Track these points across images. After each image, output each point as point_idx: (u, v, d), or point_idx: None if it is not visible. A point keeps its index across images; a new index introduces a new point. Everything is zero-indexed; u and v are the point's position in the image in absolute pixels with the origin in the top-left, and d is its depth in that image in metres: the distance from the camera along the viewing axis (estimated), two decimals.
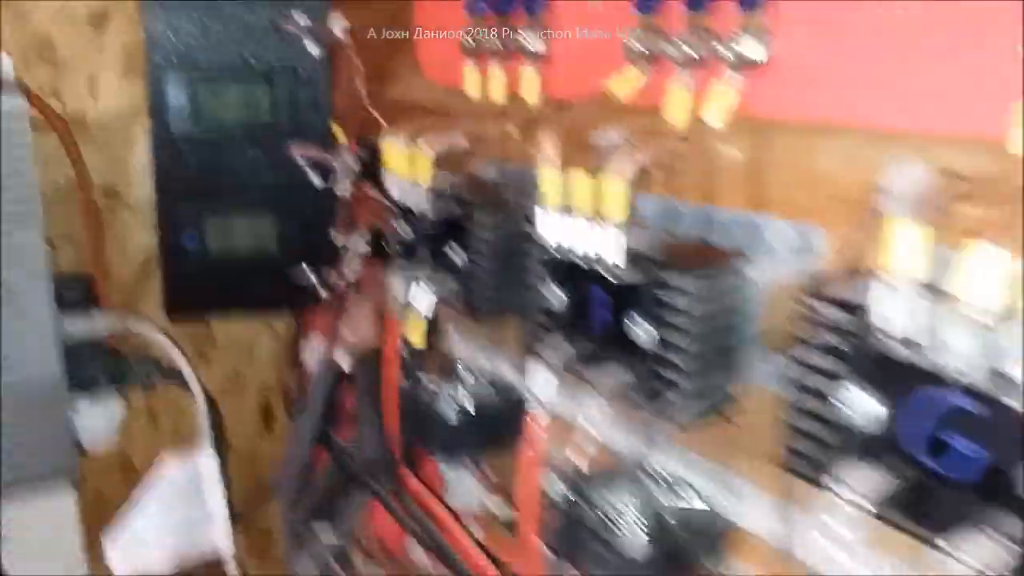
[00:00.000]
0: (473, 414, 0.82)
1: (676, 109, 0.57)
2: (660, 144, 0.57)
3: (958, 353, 0.35)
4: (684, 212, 0.64)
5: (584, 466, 0.63)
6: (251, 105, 1.15)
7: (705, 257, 0.54)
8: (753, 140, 0.59)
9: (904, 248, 0.37)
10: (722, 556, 0.63)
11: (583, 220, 0.54)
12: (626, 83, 0.60)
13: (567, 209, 0.55)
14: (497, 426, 0.79)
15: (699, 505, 0.64)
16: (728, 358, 0.53)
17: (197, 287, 1.22)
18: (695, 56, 0.55)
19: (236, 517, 1.13)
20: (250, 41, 1.14)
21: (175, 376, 1.15)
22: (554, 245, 0.57)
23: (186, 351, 1.17)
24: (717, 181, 0.62)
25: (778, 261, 0.56)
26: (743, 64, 0.52)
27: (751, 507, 0.60)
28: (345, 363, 0.93)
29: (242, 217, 1.20)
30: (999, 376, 0.35)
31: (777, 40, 0.52)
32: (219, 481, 1.16)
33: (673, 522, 0.62)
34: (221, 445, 1.23)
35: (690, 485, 0.65)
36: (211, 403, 1.23)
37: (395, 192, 0.71)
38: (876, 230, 0.47)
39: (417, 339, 0.77)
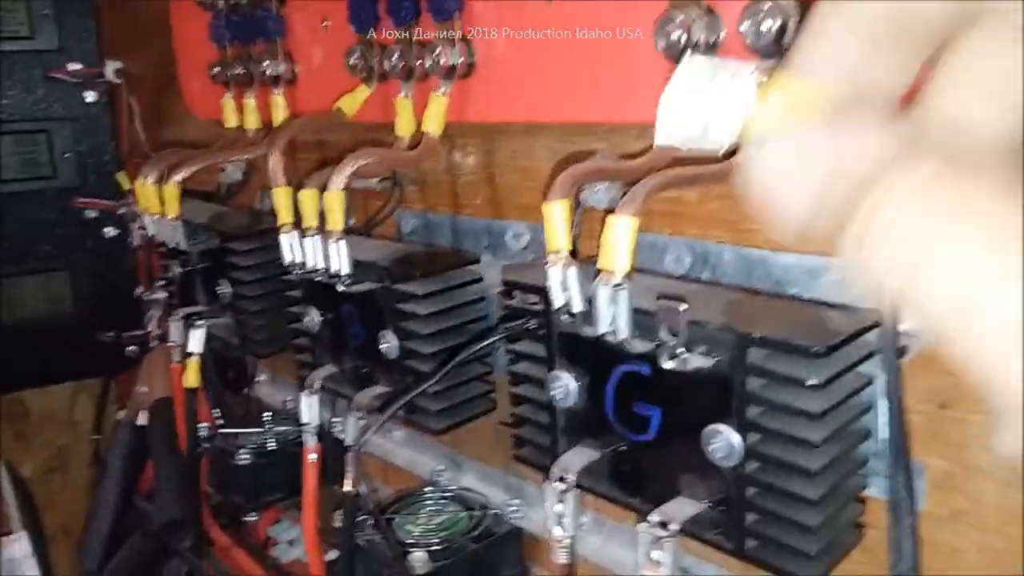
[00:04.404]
0: (274, 457, 0.78)
1: (402, 121, 0.57)
2: (395, 157, 0.58)
3: (613, 320, 0.36)
4: (439, 224, 0.65)
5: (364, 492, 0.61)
6: (30, 160, 1.09)
7: (436, 262, 0.54)
8: (482, 146, 0.61)
9: (555, 225, 0.38)
10: (521, 562, 0.63)
11: (313, 235, 0.53)
12: (354, 100, 0.60)
13: (299, 226, 0.54)
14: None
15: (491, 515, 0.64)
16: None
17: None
18: (407, 67, 0.55)
19: None
20: (24, 94, 1.08)
21: None
22: (296, 265, 0.55)
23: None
24: (460, 191, 0.63)
25: (513, 259, 0.57)
26: (448, 72, 0.53)
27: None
28: (142, 417, 0.88)
29: (34, 278, 1.12)
30: (653, 336, 0.37)
31: (480, 48, 0.54)
32: (35, 565, 1.07)
33: (467, 534, 0.62)
34: (35, 526, 1.15)
35: (482, 496, 0.65)
36: (19, 484, 1.14)
37: (152, 230, 0.68)
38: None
39: (192, 379, 0.74)
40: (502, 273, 0.46)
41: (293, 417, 0.82)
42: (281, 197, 0.55)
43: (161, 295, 1.01)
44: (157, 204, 0.67)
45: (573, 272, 0.38)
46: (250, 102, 0.73)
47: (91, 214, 1.10)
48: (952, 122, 0.19)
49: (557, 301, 0.39)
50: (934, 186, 0.17)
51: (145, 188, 0.67)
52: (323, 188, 0.53)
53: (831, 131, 0.19)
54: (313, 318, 0.61)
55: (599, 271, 0.36)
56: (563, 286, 0.38)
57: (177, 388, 0.78)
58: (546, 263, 0.39)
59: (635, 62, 0.44)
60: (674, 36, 0.40)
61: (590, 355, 0.42)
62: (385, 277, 0.53)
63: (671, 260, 0.47)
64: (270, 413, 0.84)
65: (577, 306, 0.38)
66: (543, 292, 0.42)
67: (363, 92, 0.60)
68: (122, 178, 1.07)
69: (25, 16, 1.05)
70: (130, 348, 1.14)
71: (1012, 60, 0.18)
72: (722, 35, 0.41)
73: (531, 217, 0.58)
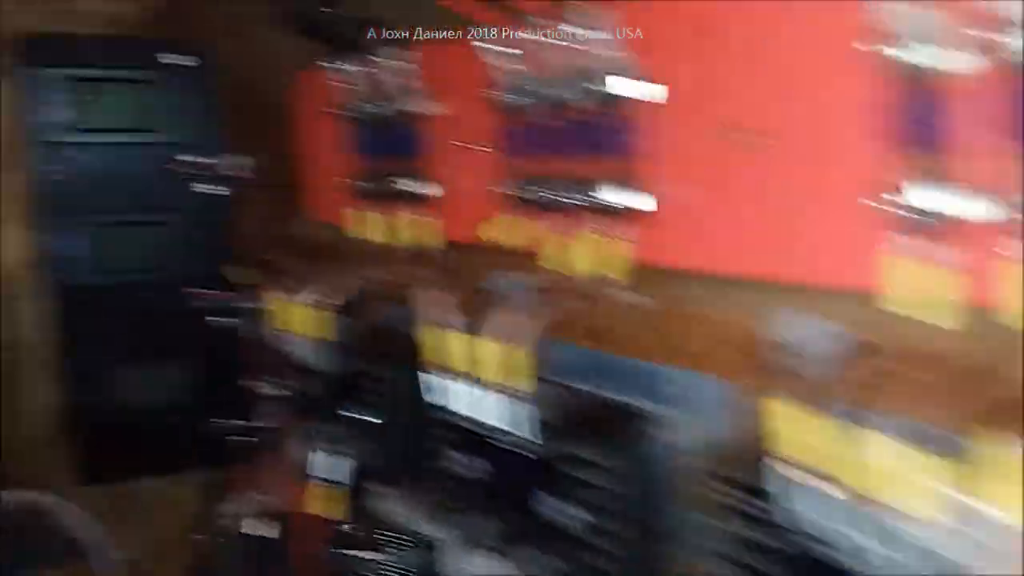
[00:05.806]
0: None
1: (578, 258, 0.53)
2: (562, 295, 0.54)
3: (883, 558, 0.32)
4: (589, 361, 0.61)
5: None
6: (150, 250, 1.10)
7: (612, 420, 0.50)
8: (654, 289, 0.57)
9: (799, 436, 0.34)
10: None
11: (490, 389, 0.49)
12: (506, 229, 0.56)
13: (470, 376, 0.51)
14: None
15: None
16: (658, 533, 0.48)
17: (110, 447, 1.12)
18: (575, 204, 0.52)
19: None
20: (146, 184, 1.09)
21: (83, 553, 1.05)
22: (462, 415, 0.52)
23: (102, 518, 1.08)
24: (621, 331, 0.59)
25: (686, 418, 0.52)
26: (616, 213, 0.50)
27: None
28: (261, 527, 0.85)
29: (152, 368, 1.12)
30: None
31: (661, 192, 0.50)
32: None
33: None
34: None
35: None
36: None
37: (283, 345, 0.66)
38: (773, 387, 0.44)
39: (321, 507, 0.71)
40: (713, 459, 0.42)
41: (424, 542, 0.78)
42: (453, 343, 0.51)
43: (276, 392, 0.99)
44: (298, 323, 0.65)
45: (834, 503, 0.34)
46: (395, 219, 0.70)
47: (202, 304, 1.10)
48: None
49: (806, 524, 0.34)
50: None
51: (287, 306, 0.65)
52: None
53: None
54: (467, 467, 0.57)
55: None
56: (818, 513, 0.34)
57: (299, 510, 0.75)
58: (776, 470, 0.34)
59: (845, 221, 0.40)
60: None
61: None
62: (551, 437, 0.49)
63: None
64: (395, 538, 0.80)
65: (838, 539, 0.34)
66: (762, 495, 0.38)
67: (518, 222, 0.56)
68: (234, 272, 1.06)
69: (151, 108, 1.06)
70: (237, 440, 1.12)
71: None
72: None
73: (700, 366, 0.53)
